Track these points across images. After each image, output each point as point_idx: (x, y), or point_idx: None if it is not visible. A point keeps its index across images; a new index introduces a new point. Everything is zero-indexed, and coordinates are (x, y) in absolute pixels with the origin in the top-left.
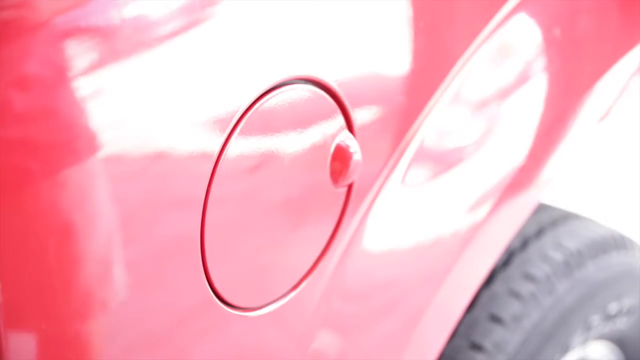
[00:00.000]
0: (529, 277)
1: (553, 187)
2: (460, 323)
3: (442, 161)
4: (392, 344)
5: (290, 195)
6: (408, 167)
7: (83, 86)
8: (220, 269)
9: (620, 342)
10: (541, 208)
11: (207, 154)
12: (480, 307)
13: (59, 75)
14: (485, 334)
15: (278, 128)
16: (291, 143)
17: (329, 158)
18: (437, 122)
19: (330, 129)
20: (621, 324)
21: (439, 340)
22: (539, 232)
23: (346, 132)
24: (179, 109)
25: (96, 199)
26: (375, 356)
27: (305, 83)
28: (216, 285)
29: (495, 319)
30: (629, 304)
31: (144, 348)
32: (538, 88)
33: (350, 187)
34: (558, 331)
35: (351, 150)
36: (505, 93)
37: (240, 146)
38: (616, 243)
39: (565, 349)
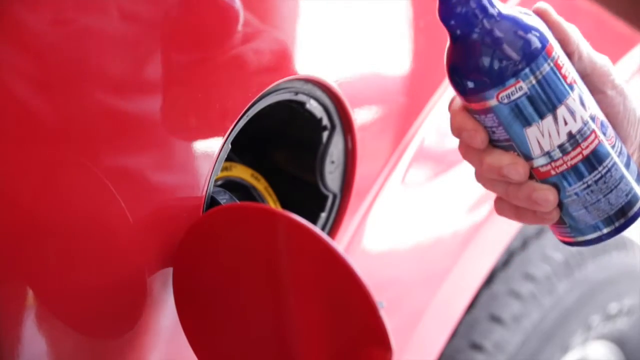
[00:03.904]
0: (529, 277)
1: None
2: (460, 323)
3: (442, 161)
4: None
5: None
6: (408, 167)
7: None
8: None
9: (620, 342)
10: None
11: (207, 154)
12: (480, 307)
13: None
14: (485, 334)
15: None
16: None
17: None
18: (437, 122)
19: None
20: (621, 324)
21: (439, 340)
22: (539, 232)
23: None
24: (179, 108)
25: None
26: None
27: (305, 83)
28: None
29: (495, 319)
30: (629, 304)
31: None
32: None
33: (349, 187)
34: (558, 331)
35: None
36: None
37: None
38: (616, 243)
39: (565, 349)
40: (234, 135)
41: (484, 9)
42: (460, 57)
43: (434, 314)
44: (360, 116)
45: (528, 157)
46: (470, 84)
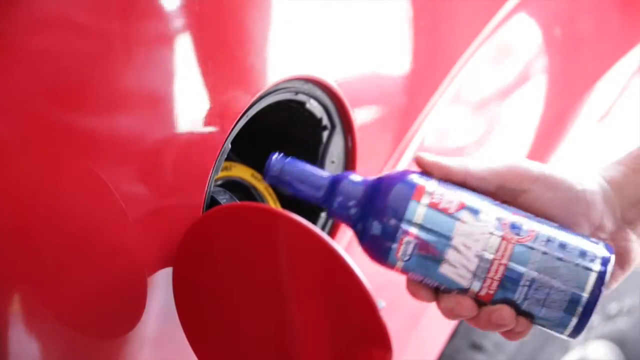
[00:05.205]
0: None
1: None
2: (460, 323)
3: None
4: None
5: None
6: (408, 167)
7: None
8: None
9: (620, 342)
10: None
11: (207, 154)
12: None
13: None
14: (485, 334)
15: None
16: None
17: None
18: (437, 122)
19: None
20: (621, 324)
21: (439, 340)
22: None
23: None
24: (180, 108)
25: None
26: None
27: (306, 83)
28: None
29: None
30: (629, 304)
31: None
32: (538, 88)
33: None
34: None
35: None
36: (505, 93)
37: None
38: None
39: (565, 349)
40: (234, 135)
41: (344, 200)
42: (359, 240)
43: (434, 314)
44: (360, 116)
45: (464, 290)
46: (376, 258)
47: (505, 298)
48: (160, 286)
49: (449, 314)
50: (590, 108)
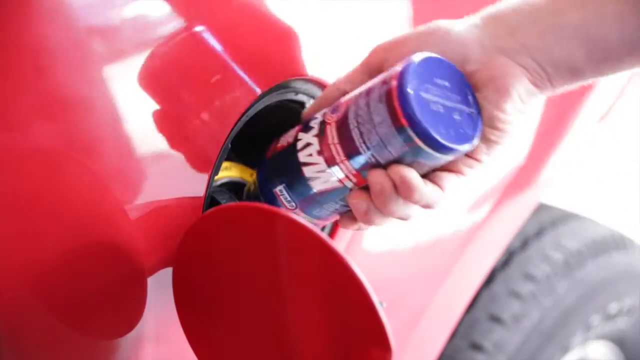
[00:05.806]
0: (529, 277)
1: (553, 187)
2: (460, 323)
3: None
4: None
5: None
6: None
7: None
8: None
9: (620, 342)
10: (541, 208)
11: (207, 154)
12: (480, 307)
13: None
14: (485, 334)
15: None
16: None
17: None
18: None
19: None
20: (621, 324)
21: (439, 340)
22: (539, 232)
23: None
24: (180, 108)
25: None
26: None
27: (305, 83)
28: None
29: (495, 319)
30: (629, 304)
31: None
32: None
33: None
34: (558, 331)
35: None
36: None
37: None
38: (616, 243)
39: (565, 349)
40: (234, 135)
41: None
42: None
43: (434, 314)
44: None
45: (349, 189)
46: None
47: (365, 167)
48: (160, 286)
49: (360, 216)
50: (590, 108)
